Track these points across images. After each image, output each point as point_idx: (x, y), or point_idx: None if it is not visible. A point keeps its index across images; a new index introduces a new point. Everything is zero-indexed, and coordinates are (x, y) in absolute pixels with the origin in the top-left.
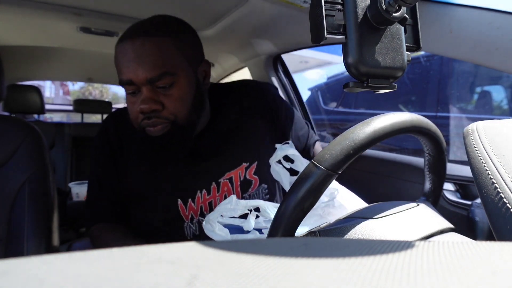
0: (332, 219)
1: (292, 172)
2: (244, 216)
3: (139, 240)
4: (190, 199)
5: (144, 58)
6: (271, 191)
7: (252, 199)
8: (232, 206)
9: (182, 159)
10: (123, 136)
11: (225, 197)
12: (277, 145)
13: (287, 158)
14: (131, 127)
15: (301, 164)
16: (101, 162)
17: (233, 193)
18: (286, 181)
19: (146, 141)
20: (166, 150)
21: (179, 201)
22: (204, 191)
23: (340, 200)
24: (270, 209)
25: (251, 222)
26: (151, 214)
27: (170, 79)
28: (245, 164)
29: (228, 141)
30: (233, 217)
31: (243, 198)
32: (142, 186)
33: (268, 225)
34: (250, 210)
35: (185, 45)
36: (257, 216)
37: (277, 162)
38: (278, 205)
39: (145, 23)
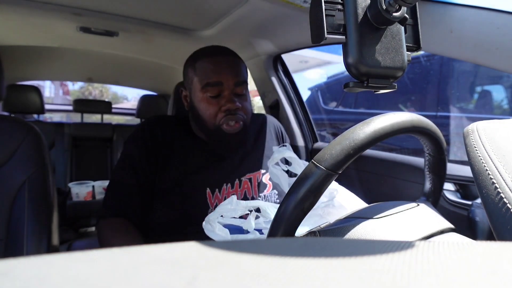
0: (332, 219)
1: (291, 174)
2: (245, 217)
3: (140, 239)
4: (217, 190)
5: (235, 68)
6: (281, 196)
7: (266, 200)
8: (232, 207)
9: (214, 156)
10: (160, 139)
11: (245, 193)
12: (274, 148)
13: (284, 161)
14: (167, 132)
15: (298, 166)
16: (133, 162)
17: (252, 191)
18: (284, 183)
19: (185, 142)
20: (235, 146)
21: (208, 190)
22: (229, 184)
23: (339, 200)
24: (270, 209)
25: (251, 223)
26: (181, 202)
27: (245, 86)
28: (262, 171)
29: (252, 150)
30: (234, 217)
31: (259, 197)
32: (179, 178)
33: (268, 226)
34: (251, 211)
35: (246, 69)
36: (257, 217)
37: (275, 164)
38: (278, 205)
39: (226, 49)
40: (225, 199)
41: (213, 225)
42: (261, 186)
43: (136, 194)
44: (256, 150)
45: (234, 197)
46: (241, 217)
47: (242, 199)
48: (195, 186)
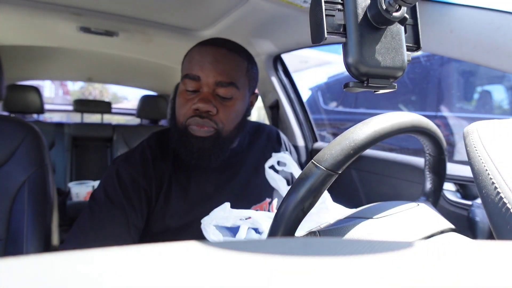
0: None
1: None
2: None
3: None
4: None
5: (222, 64)
6: None
7: None
8: (225, 214)
9: (208, 189)
10: (158, 156)
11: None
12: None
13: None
14: (165, 148)
15: (292, 165)
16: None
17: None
18: (282, 186)
19: (179, 157)
20: (200, 154)
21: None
22: None
23: (331, 204)
24: (263, 220)
25: (242, 234)
26: (172, 219)
27: (233, 91)
28: (268, 200)
29: (254, 175)
30: (225, 226)
31: None
32: (175, 219)
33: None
34: (245, 218)
35: (251, 73)
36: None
37: (269, 167)
38: (272, 214)
39: (229, 41)
40: None
41: (207, 229)
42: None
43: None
44: (258, 175)
45: (228, 204)
46: (231, 230)
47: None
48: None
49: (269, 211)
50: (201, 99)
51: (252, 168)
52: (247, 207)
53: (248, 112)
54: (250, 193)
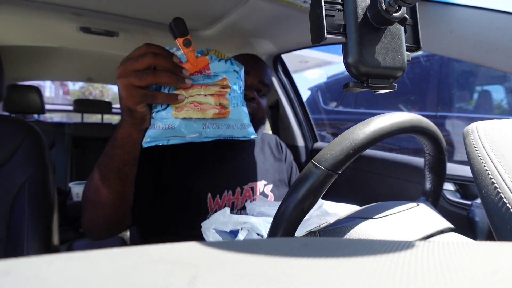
0: (331, 220)
1: None
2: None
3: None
4: (218, 195)
5: (265, 70)
6: None
7: None
8: (224, 219)
9: (219, 160)
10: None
11: (246, 201)
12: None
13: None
14: None
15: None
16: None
17: (253, 200)
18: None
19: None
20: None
21: (209, 195)
22: (230, 191)
23: (328, 207)
24: (261, 225)
25: (241, 238)
26: (182, 203)
27: (267, 91)
28: (264, 181)
29: (256, 161)
30: (224, 231)
31: None
32: (183, 177)
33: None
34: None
35: (271, 81)
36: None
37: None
38: (270, 220)
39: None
40: (225, 205)
41: (207, 233)
42: (258, 199)
43: (144, 177)
44: (260, 160)
45: (227, 209)
46: (231, 232)
47: (242, 208)
48: (197, 189)
49: (263, 191)
50: (248, 88)
51: (261, 153)
52: (245, 183)
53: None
54: (249, 172)
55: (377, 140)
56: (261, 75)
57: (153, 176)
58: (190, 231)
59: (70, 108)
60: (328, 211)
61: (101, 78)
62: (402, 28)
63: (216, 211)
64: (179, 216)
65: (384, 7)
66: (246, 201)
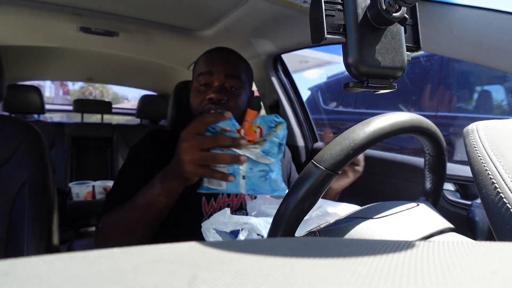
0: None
1: None
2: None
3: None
4: (212, 198)
5: (229, 62)
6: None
7: None
8: (225, 220)
9: None
10: (159, 149)
11: (241, 203)
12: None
13: None
14: (165, 144)
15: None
16: (133, 168)
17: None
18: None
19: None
20: None
21: (203, 199)
22: (225, 194)
23: (328, 207)
24: (262, 225)
25: (242, 238)
26: (176, 207)
27: (239, 84)
28: None
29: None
30: (225, 231)
31: None
32: None
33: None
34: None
35: (249, 73)
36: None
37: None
38: (270, 220)
39: (229, 49)
40: (220, 208)
41: (207, 233)
42: (258, 197)
43: (138, 182)
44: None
45: (228, 210)
46: (232, 232)
47: (238, 209)
48: (191, 193)
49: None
50: (214, 90)
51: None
52: None
53: (247, 105)
54: None
55: (377, 140)
56: (226, 69)
57: (147, 181)
58: (186, 237)
59: (70, 108)
60: (328, 211)
61: (101, 78)
62: (402, 28)
63: (211, 214)
64: (173, 220)
65: (384, 7)
66: (241, 202)
